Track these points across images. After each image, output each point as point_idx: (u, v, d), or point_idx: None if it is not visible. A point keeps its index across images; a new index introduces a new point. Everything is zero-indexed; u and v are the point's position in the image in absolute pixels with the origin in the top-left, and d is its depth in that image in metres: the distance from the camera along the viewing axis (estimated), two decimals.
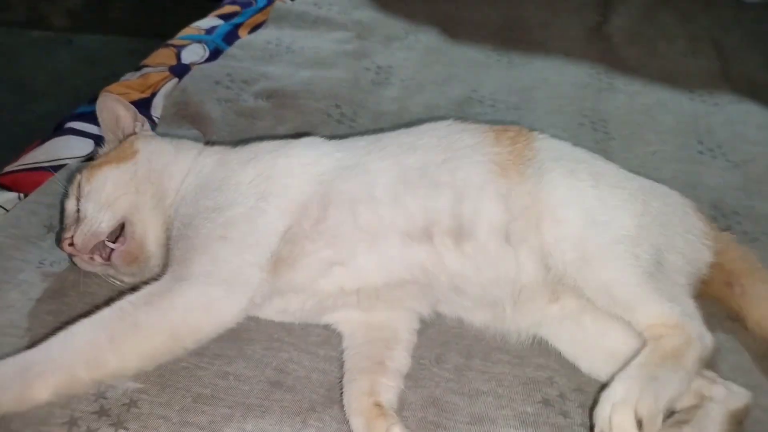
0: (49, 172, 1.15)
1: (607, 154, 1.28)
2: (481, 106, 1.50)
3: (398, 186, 0.92)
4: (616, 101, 1.55)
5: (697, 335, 0.82)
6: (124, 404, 0.81)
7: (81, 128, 1.27)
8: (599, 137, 1.41)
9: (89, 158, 1.19)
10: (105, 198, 0.94)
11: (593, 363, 0.90)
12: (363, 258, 0.91)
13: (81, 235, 0.92)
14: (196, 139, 1.25)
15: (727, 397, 0.82)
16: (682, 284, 0.89)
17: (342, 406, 0.83)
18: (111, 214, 0.93)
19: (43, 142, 1.24)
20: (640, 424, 0.74)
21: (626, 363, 0.82)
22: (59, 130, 1.27)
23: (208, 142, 1.08)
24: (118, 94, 1.38)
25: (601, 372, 0.88)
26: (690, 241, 0.93)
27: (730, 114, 1.54)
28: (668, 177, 1.30)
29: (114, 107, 1.06)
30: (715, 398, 0.82)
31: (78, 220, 0.94)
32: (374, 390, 0.82)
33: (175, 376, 0.85)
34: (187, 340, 0.83)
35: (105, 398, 0.81)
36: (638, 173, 1.02)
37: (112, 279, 0.96)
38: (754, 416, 0.85)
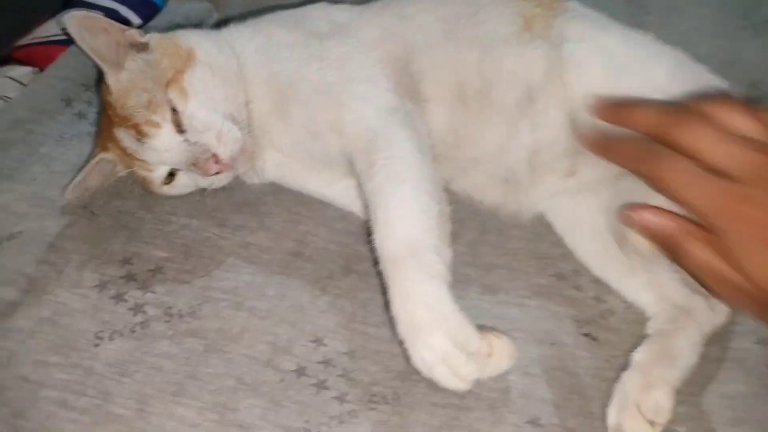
0: (62, 45, 1.13)
1: (641, 30, 1.22)
2: None
3: (441, 41, 0.88)
4: None
5: None
6: (149, 270, 0.85)
7: (92, 0, 1.23)
8: (634, 10, 1.32)
9: None
10: (214, 104, 0.83)
11: (576, 241, 0.88)
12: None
13: (227, 150, 0.82)
14: (207, 11, 1.22)
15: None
16: None
17: (357, 274, 0.85)
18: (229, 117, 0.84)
19: (53, 14, 1.21)
20: None
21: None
22: (71, 2, 1.24)
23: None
24: None
25: (582, 253, 0.87)
26: None
27: None
28: (705, 54, 1.21)
29: (99, 29, 0.83)
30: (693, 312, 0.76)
31: (197, 138, 0.82)
32: None
33: (198, 246, 0.88)
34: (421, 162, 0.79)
35: (131, 264, 0.85)
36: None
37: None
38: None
